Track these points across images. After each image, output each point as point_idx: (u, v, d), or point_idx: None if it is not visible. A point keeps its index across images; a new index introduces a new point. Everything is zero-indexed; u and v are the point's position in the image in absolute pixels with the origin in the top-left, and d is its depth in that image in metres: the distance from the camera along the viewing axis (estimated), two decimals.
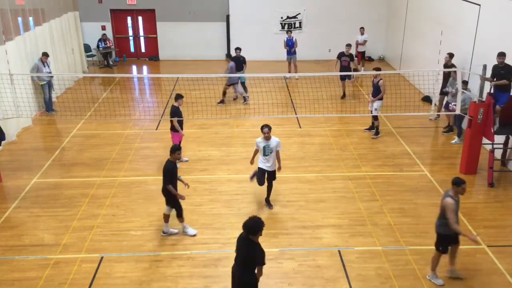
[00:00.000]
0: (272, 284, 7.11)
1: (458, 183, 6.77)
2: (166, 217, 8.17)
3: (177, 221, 8.23)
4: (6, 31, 12.17)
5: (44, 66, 13.45)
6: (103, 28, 19.92)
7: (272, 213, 8.96)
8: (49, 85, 13.79)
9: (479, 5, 12.09)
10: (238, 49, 15.05)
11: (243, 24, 19.73)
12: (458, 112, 10.87)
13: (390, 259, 7.63)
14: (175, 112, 10.22)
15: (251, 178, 9.07)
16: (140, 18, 20.31)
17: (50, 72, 13.62)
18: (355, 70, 15.76)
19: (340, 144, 11.93)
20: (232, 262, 5.97)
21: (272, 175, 8.92)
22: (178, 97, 10.35)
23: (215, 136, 12.42)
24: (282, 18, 19.92)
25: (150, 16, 20.12)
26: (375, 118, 12.28)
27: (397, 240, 8.12)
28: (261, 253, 5.62)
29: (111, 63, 19.53)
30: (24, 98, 11.32)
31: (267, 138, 8.55)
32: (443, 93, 12.63)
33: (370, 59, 19.99)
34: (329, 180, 10.19)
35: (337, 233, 8.34)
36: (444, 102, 12.57)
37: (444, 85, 12.59)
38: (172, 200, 7.95)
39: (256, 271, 5.68)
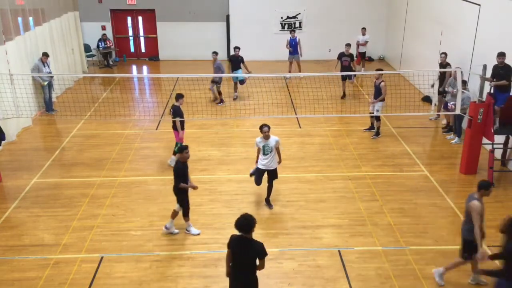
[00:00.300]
0: (272, 284, 7.11)
1: (487, 187, 6.56)
2: (174, 214, 8.20)
3: (181, 222, 8.22)
4: (6, 31, 12.17)
5: (44, 66, 13.45)
6: (103, 28, 19.92)
7: (272, 213, 8.96)
8: (49, 85, 13.79)
9: (479, 5, 12.09)
10: (237, 48, 15.05)
11: (243, 24, 19.73)
12: (458, 112, 10.87)
13: (390, 259, 7.63)
14: (179, 112, 10.26)
15: (251, 174, 9.09)
16: (140, 18, 20.31)
17: (50, 72, 13.63)
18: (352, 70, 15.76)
19: (340, 144, 11.93)
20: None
21: (272, 174, 8.92)
22: (180, 96, 10.37)
23: (215, 136, 12.42)
24: (282, 18, 19.92)
25: (150, 16, 20.13)
26: (377, 119, 12.27)
27: (397, 240, 8.12)
28: (261, 246, 5.62)
29: (111, 63, 19.53)
30: (24, 98, 11.31)
31: (267, 137, 8.56)
32: (440, 93, 12.62)
33: (370, 59, 19.99)
34: (329, 180, 10.19)
35: (337, 233, 8.34)
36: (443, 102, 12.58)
37: (441, 85, 12.60)
38: (181, 199, 8.00)
39: (258, 265, 5.65)
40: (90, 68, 19.13)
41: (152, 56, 20.63)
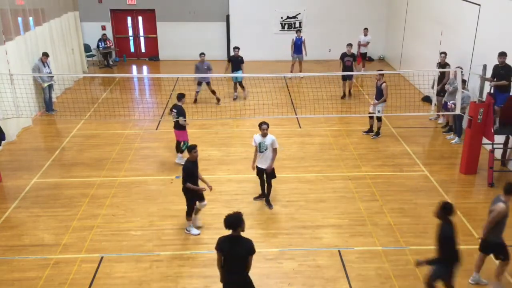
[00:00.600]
0: (272, 284, 7.11)
1: None
2: (196, 211, 8.27)
3: (182, 221, 8.23)
4: (6, 31, 12.17)
5: (44, 66, 13.45)
6: (103, 28, 19.92)
7: (272, 213, 8.96)
8: (49, 85, 13.78)
9: (479, 5, 12.09)
10: (236, 48, 15.03)
11: (243, 24, 19.73)
12: (458, 111, 10.88)
13: (390, 259, 7.63)
14: (182, 111, 10.33)
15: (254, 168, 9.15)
16: (140, 18, 20.31)
17: (50, 72, 13.62)
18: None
19: (340, 144, 11.93)
20: None
21: (269, 174, 8.93)
22: (182, 96, 10.44)
23: (215, 136, 12.42)
24: (282, 18, 19.92)
25: (150, 16, 20.13)
26: (378, 119, 12.27)
27: (397, 240, 8.12)
28: (251, 242, 5.63)
29: (111, 63, 19.53)
30: (24, 98, 11.31)
31: (264, 135, 8.63)
32: (438, 93, 12.52)
33: (370, 59, 19.98)
34: (329, 180, 10.19)
35: (337, 233, 8.34)
36: (443, 101, 12.56)
37: (439, 84, 12.52)
38: (188, 199, 8.05)
39: (247, 262, 5.64)
40: (90, 68, 19.13)
41: (152, 56, 20.63)
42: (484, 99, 9.94)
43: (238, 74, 14.76)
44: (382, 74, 12.00)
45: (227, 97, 15.25)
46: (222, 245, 5.64)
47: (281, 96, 15.48)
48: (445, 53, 12.54)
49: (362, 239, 8.16)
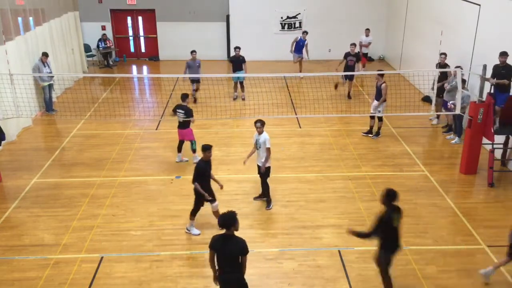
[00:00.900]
0: (272, 284, 7.11)
1: None
2: (216, 214, 8.22)
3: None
4: (6, 31, 12.17)
5: (45, 66, 13.45)
6: (103, 28, 19.92)
7: (272, 213, 8.96)
8: (50, 85, 13.79)
9: (479, 5, 12.09)
10: (237, 48, 15.01)
11: (243, 24, 19.73)
12: (458, 111, 10.87)
13: None
14: (190, 111, 10.49)
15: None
16: (140, 18, 20.31)
17: (50, 72, 13.62)
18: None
19: (340, 144, 11.93)
20: None
21: (262, 173, 8.98)
22: (186, 96, 10.56)
23: (215, 136, 12.42)
24: (282, 18, 19.91)
25: (150, 16, 20.13)
26: (379, 119, 12.26)
27: None
28: (244, 242, 5.65)
29: (111, 63, 19.53)
30: (24, 98, 11.31)
31: (259, 132, 8.72)
32: (437, 94, 12.44)
33: (370, 59, 19.97)
34: (329, 180, 10.19)
35: (337, 233, 8.33)
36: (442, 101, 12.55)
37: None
38: (196, 197, 8.07)
39: (242, 262, 5.65)
40: (90, 68, 19.13)
41: (152, 56, 20.62)
42: (484, 99, 9.93)
43: (240, 74, 14.75)
44: (382, 74, 11.99)
45: (227, 97, 15.24)
46: (215, 244, 5.69)
47: (281, 96, 15.48)
48: (445, 54, 12.51)
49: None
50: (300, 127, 13.10)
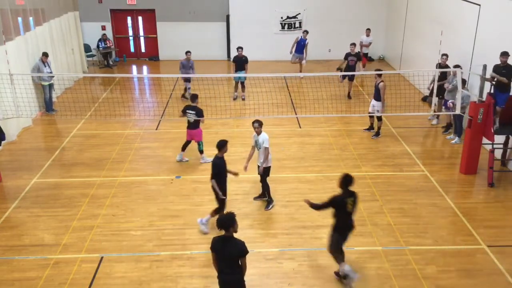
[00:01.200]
0: (272, 284, 7.11)
1: None
2: (214, 213, 8.26)
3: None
4: (6, 31, 12.17)
5: (45, 66, 13.46)
6: (103, 28, 19.92)
7: (272, 213, 8.96)
8: (50, 85, 13.79)
9: (479, 5, 12.09)
10: (239, 48, 14.98)
11: (243, 24, 19.73)
12: (458, 111, 10.87)
13: (390, 259, 7.63)
14: (201, 111, 10.60)
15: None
16: (140, 18, 20.31)
17: (51, 72, 13.63)
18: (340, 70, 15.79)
19: (340, 144, 11.93)
20: None
21: (261, 172, 8.98)
22: (196, 97, 10.67)
23: (215, 136, 12.33)
24: (282, 18, 19.91)
25: (150, 16, 20.13)
26: (378, 118, 12.27)
27: (397, 240, 8.12)
28: (243, 243, 5.64)
29: (111, 63, 19.54)
30: (24, 98, 11.31)
31: (258, 133, 8.74)
32: (436, 94, 12.39)
33: (370, 59, 19.98)
34: (329, 180, 10.19)
35: None
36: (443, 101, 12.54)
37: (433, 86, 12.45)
38: (217, 196, 8.11)
39: (241, 264, 5.65)
40: (90, 68, 19.14)
41: (152, 56, 20.63)
42: (484, 99, 9.93)
43: (241, 74, 14.75)
44: (380, 74, 11.97)
45: (227, 97, 15.24)
46: (215, 245, 5.68)
47: (281, 96, 15.48)
48: (446, 55, 12.46)
49: (362, 239, 8.16)
50: (300, 127, 13.10)
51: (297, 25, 19.91)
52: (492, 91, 10.66)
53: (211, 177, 7.95)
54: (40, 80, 13.48)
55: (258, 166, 9.03)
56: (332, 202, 6.79)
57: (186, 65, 14.70)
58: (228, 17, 19.79)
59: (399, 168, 10.72)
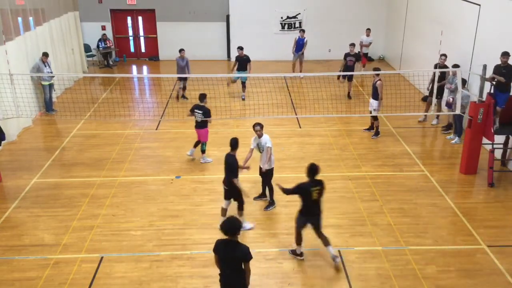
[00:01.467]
0: (272, 284, 7.11)
1: None
2: (224, 211, 8.30)
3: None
4: (6, 31, 12.17)
5: (45, 66, 13.46)
6: (103, 28, 19.92)
7: (272, 213, 8.96)
8: (50, 85, 13.79)
9: (479, 5, 12.09)
10: (239, 48, 14.98)
11: (243, 24, 19.73)
12: (458, 111, 10.87)
13: (390, 259, 7.63)
14: (209, 111, 10.60)
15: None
16: (140, 18, 20.31)
17: (51, 72, 13.63)
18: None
19: (340, 144, 11.93)
20: None
21: (264, 175, 8.96)
22: (204, 97, 10.63)
23: (215, 136, 12.41)
24: (282, 18, 19.92)
25: (150, 16, 20.13)
26: (374, 118, 12.28)
27: (397, 240, 8.12)
28: (247, 249, 5.61)
29: (111, 63, 19.53)
30: (24, 98, 11.31)
31: (259, 136, 8.70)
32: (434, 95, 12.38)
33: (370, 59, 19.97)
34: (329, 180, 10.15)
35: (337, 233, 8.33)
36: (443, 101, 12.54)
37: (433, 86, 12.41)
38: (237, 193, 8.11)
39: (244, 270, 5.62)
40: (90, 68, 19.13)
41: (152, 56, 20.63)
42: (484, 99, 9.93)
43: (242, 74, 14.74)
44: (378, 74, 11.97)
45: (227, 97, 15.24)
46: (219, 248, 5.64)
47: (281, 96, 15.48)
48: (445, 55, 12.47)
49: (362, 239, 8.16)
50: (300, 127, 13.10)
51: (297, 25, 19.91)
52: (492, 91, 10.66)
53: (232, 177, 7.98)
54: (40, 80, 13.48)
55: (260, 168, 8.99)
56: (297, 189, 7.23)
57: (180, 63, 14.76)
58: (228, 17, 19.79)
59: (399, 168, 10.72)
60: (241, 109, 14.27)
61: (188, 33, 19.87)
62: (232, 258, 5.58)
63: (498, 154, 10.74)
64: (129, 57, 20.61)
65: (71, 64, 16.97)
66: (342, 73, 14.72)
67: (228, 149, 8.06)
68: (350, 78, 15.16)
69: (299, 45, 17.13)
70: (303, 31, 17.38)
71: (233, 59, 17.48)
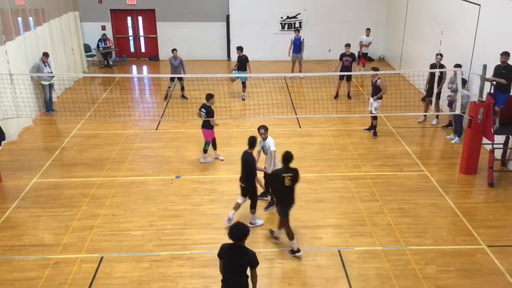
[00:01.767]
0: (272, 284, 7.11)
1: None
2: (237, 206, 8.41)
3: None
4: (6, 31, 12.17)
5: (45, 66, 13.45)
6: (103, 28, 19.92)
7: (272, 213, 8.95)
8: (50, 85, 13.79)
9: (479, 5, 12.09)
10: (239, 48, 14.99)
11: (243, 24, 19.73)
12: (457, 111, 10.87)
13: (390, 259, 7.63)
14: (211, 111, 10.61)
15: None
16: (140, 18, 20.31)
17: (51, 72, 13.63)
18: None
19: (340, 144, 11.93)
20: None
21: (265, 178, 8.95)
22: (210, 97, 10.64)
23: (215, 136, 12.40)
24: (282, 18, 19.92)
25: (150, 16, 20.13)
26: (373, 117, 12.27)
27: (397, 240, 8.12)
28: (253, 254, 5.57)
29: (111, 63, 19.54)
30: (24, 98, 11.31)
31: (264, 138, 8.69)
32: (431, 95, 12.37)
33: (370, 59, 19.96)
34: (329, 180, 10.19)
35: (337, 233, 8.34)
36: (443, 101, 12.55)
37: (431, 86, 12.38)
38: (253, 191, 8.20)
39: (251, 276, 5.57)
40: (90, 68, 19.13)
41: (152, 56, 20.63)
42: (484, 99, 9.93)
43: (241, 74, 14.74)
44: (377, 71, 11.95)
45: (227, 97, 15.25)
46: (225, 253, 5.58)
47: (281, 96, 15.48)
48: (441, 55, 12.53)
49: (362, 239, 8.16)
50: (300, 127, 13.10)
51: (297, 25, 19.91)
52: (492, 91, 10.66)
53: (254, 175, 8.11)
54: (40, 80, 13.47)
55: (265, 169, 8.96)
56: (271, 176, 7.73)
57: (173, 63, 14.78)
58: (228, 17, 19.79)
59: (399, 168, 10.72)
60: (241, 109, 14.27)
61: (188, 33, 19.87)
62: (237, 263, 5.52)
63: (498, 154, 10.74)
64: (129, 57, 20.61)
65: (71, 64, 16.97)
66: (340, 73, 14.71)
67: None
68: (348, 78, 15.16)
69: (297, 45, 17.13)
70: (298, 30, 17.45)
71: (233, 59, 17.47)
